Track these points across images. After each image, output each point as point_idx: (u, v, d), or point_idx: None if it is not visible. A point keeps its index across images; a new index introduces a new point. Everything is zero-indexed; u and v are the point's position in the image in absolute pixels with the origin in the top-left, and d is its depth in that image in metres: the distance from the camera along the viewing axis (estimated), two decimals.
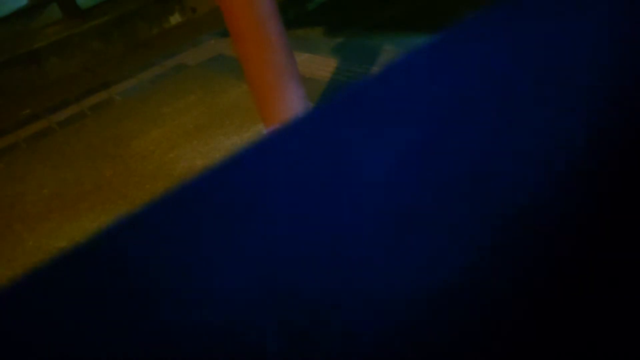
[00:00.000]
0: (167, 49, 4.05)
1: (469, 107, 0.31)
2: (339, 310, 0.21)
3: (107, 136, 2.88)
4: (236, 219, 0.28)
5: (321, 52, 3.03)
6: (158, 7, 4.64)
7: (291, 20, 3.74)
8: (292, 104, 1.89)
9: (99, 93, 3.59)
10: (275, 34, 1.81)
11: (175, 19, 4.73)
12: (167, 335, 0.22)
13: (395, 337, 0.20)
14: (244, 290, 0.24)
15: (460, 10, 2.77)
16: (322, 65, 2.84)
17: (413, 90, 0.34)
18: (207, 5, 4.73)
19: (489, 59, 0.35)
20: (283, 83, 1.86)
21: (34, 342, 0.23)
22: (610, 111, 0.27)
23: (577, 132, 0.27)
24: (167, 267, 0.26)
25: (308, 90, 2.55)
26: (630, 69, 0.29)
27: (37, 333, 0.24)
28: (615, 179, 0.23)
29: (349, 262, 0.24)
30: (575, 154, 0.25)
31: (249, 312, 0.22)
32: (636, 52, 0.30)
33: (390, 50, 2.74)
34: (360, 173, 0.29)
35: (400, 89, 0.35)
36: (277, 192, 0.29)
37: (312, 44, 3.21)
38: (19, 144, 3.17)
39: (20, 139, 3.23)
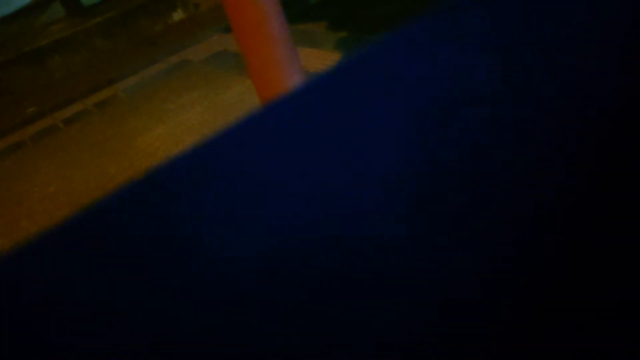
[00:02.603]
0: (170, 46, 4.04)
1: (471, 79, 0.31)
2: (340, 293, 0.21)
3: (112, 133, 2.89)
4: (235, 193, 0.28)
5: (324, 47, 3.02)
6: (161, 4, 4.63)
7: (294, 15, 3.73)
8: None
9: (103, 90, 3.59)
10: (278, 29, 1.80)
11: (178, 15, 4.72)
12: (162, 316, 0.22)
13: (399, 311, 0.20)
14: (243, 270, 0.23)
15: None
16: (325, 60, 2.83)
17: (413, 62, 0.34)
18: (209, 1, 4.71)
19: (492, 31, 0.34)
20: (286, 78, 1.86)
21: (32, 308, 0.23)
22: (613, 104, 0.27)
23: (582, 111, 0.27)
24: (164, 242, 0.25)
25: None
26: (632, 65, 0.29)
27: (32, 304, 0.24)
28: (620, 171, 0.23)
29: (351, 241, 0.23)
30: (581, 133, 0.25)
31: (249, 294, 0.22)
32: (636, 48, 0.30)
33: None
34: (361, 144, 0.29)
35: (401, 60, 0.34)
36: (278, 163, 0.29)
37: (315, 38, 3.20)
38: (25, 141, 3.19)
39: (26, 137, 3.24)
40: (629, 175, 0.23)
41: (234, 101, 2.74)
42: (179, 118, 2.78)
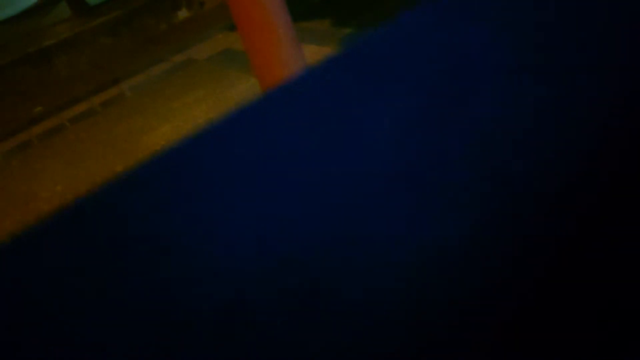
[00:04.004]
0: (175, 44, 4.05)
1: (474, 65, 0.31)
2: (340, 279, 0.21)
3: (118, 132, 2.90)
4: (235, 180, 0.27)
5: (329, 44, 3.01)
6: (166, 3, 4.64)
7: (298, 13, 3.72)
8: None
9: (109, 89, 3.60)
10: (282, 26, 1.80)
11: (183, 14, 4.73)
12: (163, 299, 0.22)
13: (398, 304, 0.20)
14: (242, 256, 0.23)
15: None
16: None
17: (416, 48, 0.33)
18: None
19: (497, 17, 0.34)
20: (291, 75, 1.86)
21: (33, 295, 0.23)
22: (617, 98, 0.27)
23: (584, 97, 0.26)
24: (164, 229, 0.25)
25: None
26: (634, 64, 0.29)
27: (36, 287, 0.23)
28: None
29: (351, 227, 0.23)
30: (582, 121, 0.25)
31: (247, 281, 0.22)
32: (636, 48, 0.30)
33: None
34: (361, 133, 0.28)
35: (403, 46, 0.34)
36: (276, 153, 0.28)
37: (320, 35, 3.19)
38: (32, 141, 3.20)
39: (33, 137, 3.26)
40: (631, 174, 0.22)
41: (239, 99, 2.74)
42: (184, 116, 2.79)
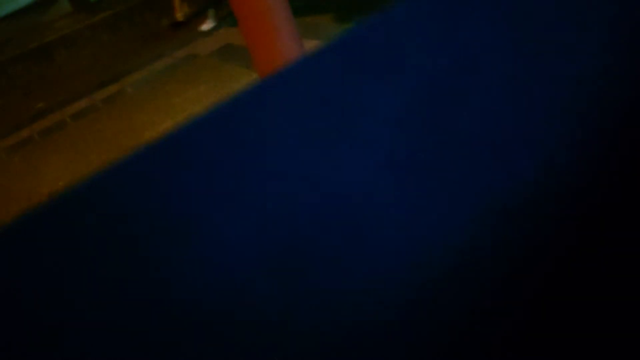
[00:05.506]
0: (176, 40, 4.04)
1: (476, 54, 0.30)
2: (338, 270, 0.21)
3: (120, 128, 2.90)
4: (233, 167, 0.27)
5: (331, 39, 3.00)
6: None
7: (299, 7, 3.71)
8: None
9: (110, 85, 3.60)
10: (283, 21, 1.80)
11: (183, 9, 4.72)
12: (161, 284, 0.22)
13: (393, 291, 0.19)
14: (241, 245, 0.23)
15: None
16: None
17: (413, 37, 0.33)
18: None
19: (497, 6, 0.34)
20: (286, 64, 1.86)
21: (25, 289, 0.23)
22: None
23: (587, 85, 0.26)
24: (161, 217, 0.25)
25: None
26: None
27: (27, 279, 0.23)
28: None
29: (349, 216, 0.23)
30: (583, 113, 0.25)
31: (245, 270, 0.22)
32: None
33: None
34: (362, 122, 0.28)
35: (403, 34, 0.34)
36: (274, 141, 0.28)
37: (321, 30, 3.18)
38: (34, 137, 3.21)
39: (34, 133, 3.27)
40: (632, 174, 0.22)
41: None
42: (186, 112, 2.79)
